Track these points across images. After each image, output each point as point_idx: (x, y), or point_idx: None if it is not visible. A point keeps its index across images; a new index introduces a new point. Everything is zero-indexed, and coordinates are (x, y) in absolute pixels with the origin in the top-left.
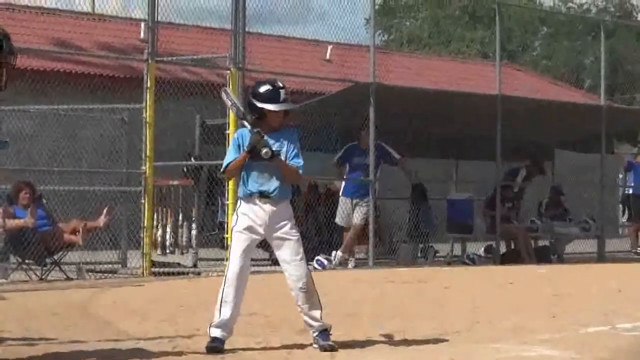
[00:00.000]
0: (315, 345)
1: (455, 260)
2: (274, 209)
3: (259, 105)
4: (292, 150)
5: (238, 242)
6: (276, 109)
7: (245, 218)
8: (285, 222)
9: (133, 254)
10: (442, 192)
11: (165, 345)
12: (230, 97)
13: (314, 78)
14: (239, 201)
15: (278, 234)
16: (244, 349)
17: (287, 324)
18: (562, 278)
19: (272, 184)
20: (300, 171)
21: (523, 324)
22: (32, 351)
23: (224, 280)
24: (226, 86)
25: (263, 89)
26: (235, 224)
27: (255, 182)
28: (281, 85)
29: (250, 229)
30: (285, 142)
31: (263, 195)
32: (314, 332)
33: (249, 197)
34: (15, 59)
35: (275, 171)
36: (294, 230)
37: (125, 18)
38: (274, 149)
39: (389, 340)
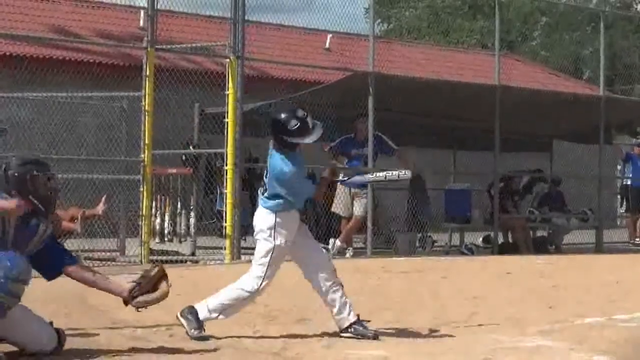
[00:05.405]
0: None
1: (453, 250)
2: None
3: (294, 141)
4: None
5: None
6: (312, 141)
7: None
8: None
9: (131, 242)
10: (440, 183)
11: (162, 333)
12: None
13: (313, 67)
14: None
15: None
16: (240, 337)
17: (286, 314)
18: (559, 269)
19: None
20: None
21: (521, 315)
22: None
23: (252, 291)
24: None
25: (292, 124)
26: None
27: None
28: (304, 113)
29: None
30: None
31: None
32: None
33: None
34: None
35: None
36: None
37: (125, 6)
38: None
39: (387, 330)
